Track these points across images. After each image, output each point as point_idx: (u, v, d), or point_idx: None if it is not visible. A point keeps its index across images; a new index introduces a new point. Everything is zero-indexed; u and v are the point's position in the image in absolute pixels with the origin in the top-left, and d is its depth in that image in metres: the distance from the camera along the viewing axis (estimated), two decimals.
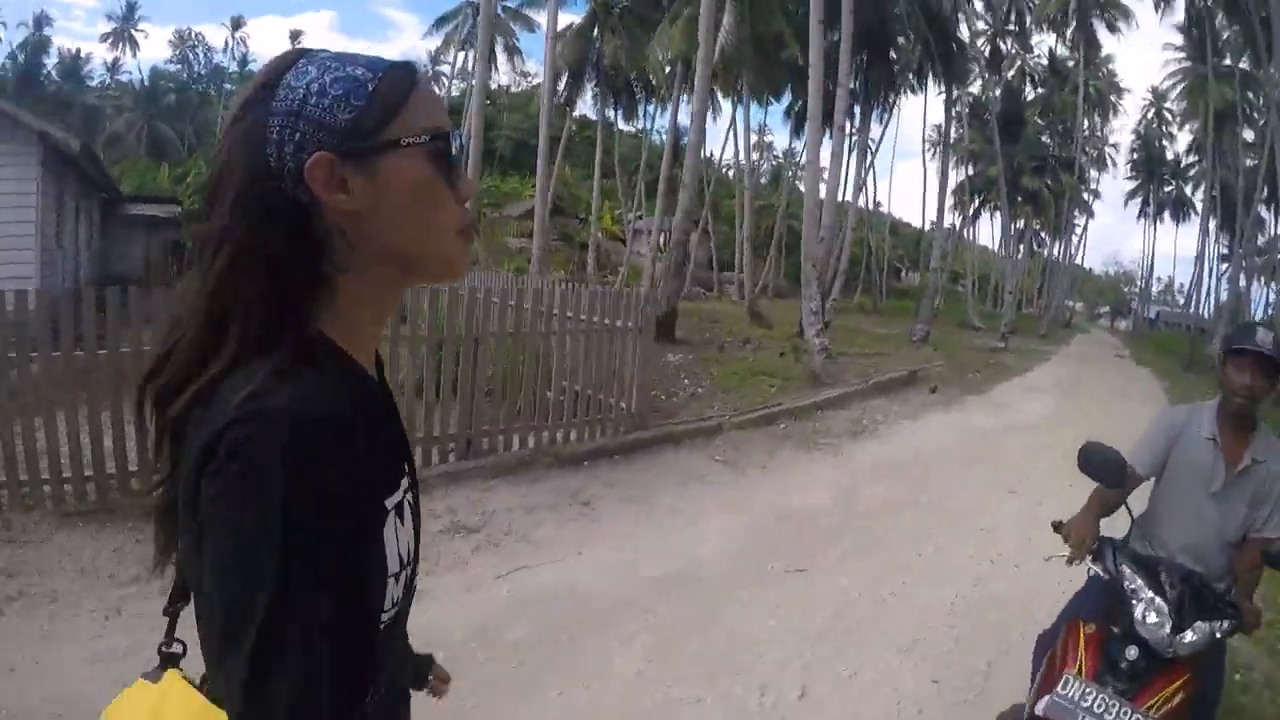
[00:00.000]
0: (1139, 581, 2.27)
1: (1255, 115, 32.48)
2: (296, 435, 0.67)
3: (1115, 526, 2.60)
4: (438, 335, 5.79)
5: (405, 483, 0.85)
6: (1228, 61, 31.84)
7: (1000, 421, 10.27)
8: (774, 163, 61.13)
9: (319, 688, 0.65)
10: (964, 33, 27.65)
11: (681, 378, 9.87)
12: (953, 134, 31.47)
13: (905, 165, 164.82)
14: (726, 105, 32.45)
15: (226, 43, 73.59)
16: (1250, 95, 31.75)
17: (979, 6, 31.84)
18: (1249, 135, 32.92)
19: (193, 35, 73.33)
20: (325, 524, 0.67)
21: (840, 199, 25.07)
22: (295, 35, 79.40)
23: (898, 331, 20.99)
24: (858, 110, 26.69)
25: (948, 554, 5.10)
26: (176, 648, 0.93)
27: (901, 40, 25.47)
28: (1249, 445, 2.43)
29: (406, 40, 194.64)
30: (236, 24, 74.31)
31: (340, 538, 0.68)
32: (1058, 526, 2.55)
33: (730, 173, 43.05)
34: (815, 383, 10.39)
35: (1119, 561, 2.35)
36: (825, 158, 16.76)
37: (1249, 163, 31.73)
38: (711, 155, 43.99)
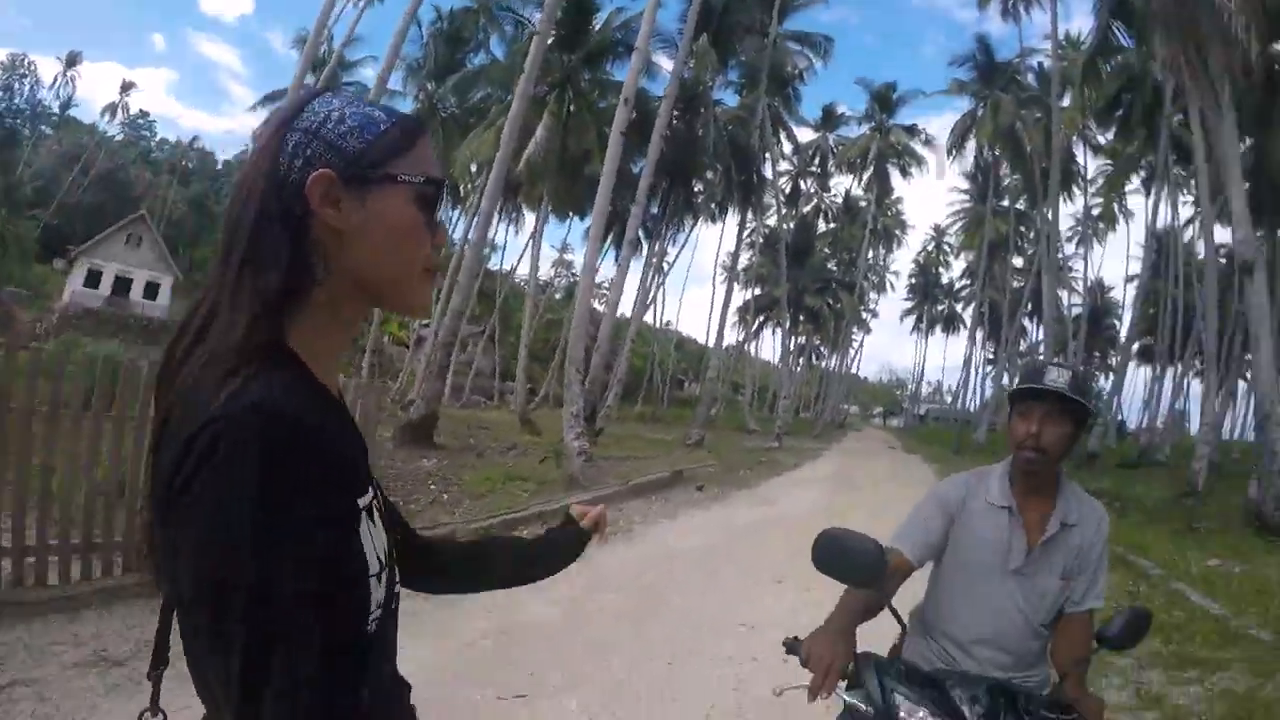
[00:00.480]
0: (922, 712, 1.70)
1: (1025, 245, 39.73)
2: (270, 430, 0.70)
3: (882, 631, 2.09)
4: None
5: (371, 488, 0.88)
6: (1005, 202, 38.06)
7: (767, 514, 10.52)
8: (571, 278, 63.15)
9: (314, 685, 0.68)
10: (768, 171, 30.32)
11: (429, 484, 9.50)
12: (745, 259, 33.98)
13: (698, 289, 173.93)
14: (531, 219, 33.09)
15: (56, 78, 67.36)
16: (1022, 229, 38.49)
17: (785, 149, 34.95)
18: (1018, 262, 39.88)
19: (25, 63, 65.56)
20: (303, 514, 0.70)
21: (622, 313, 25.94)
22: (127, 86, 74.75)
23: (674, 437, 21.50)
24: (647, 230, 27.89)
25: (703, 658, 4.80)
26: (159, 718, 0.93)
27: (709, 174, 27.02)
28: (1053, 508, 1.98)
29: (236, 114, 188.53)
30: (71, 60, 68.37)
31: (319, 526, 0.71)
32: (791, 646, 1.86)
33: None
34: (572, 486, 10.35)
35: (887, 686, 1.75)
36: (613, 272, 17.29)
37: (1015, 284, 38.10)
38: (512, 269, 44.62)
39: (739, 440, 25.08)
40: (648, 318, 33.20)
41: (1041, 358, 27.22)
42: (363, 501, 0.83)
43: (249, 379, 0.73)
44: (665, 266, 35.06)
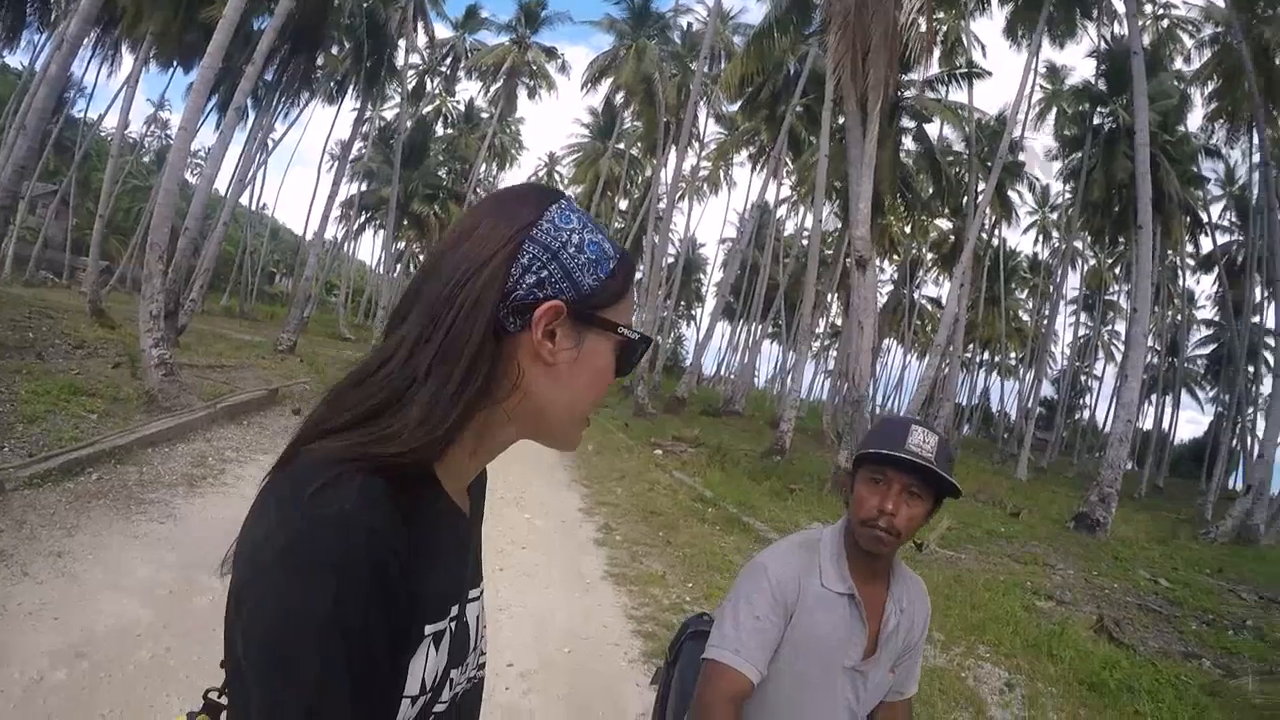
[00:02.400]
0: None
1: (634, 190, 41.92)
2: (338, 547, 0.66)
3: None
4: None
5: (455, 610, 0.84)
6: (622, 145, 38.96)
7: None
8: (166, 140, 52.76)
9: None
10: (400, 60, 27.73)
11: None
12: (356, 150, 31.04)
13: (300, 171, 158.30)
14: (129, 61, 26.33)
15: None
16: (633, 173, 40.19)
17: (420, 40, 32.08)
18: (623, 204, 41.79)
19: None
20: (341, 642, 0.66)
21: (223, 190, 22.31)
22: None
23: (264, 339, 19.21)
24: (257, 98, 24.13)
25: None
26: (224, 699, 0.87)
27: (335, 50, 23.97)
28: (888, 593, 1.71)
29: None
30: None
31: (357, 654, 0.67)
32: None
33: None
34: (151, 406, 8.21)
35: None
36: (212, 141, 14.38)
37: (618, 225, 41.04)
38: (99, 119, 36.60)
39: (333, 349, 23.13)
40: (244, 199, 28.81)
41: (1025, 455, 28.10)
42: (433, 628, 0.78)
43: (343, 478, 0.69)
44: (270, 144, 30.85)
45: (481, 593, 0.94)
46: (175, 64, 25.63)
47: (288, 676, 0.65)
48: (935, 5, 13.51)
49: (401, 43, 26.97)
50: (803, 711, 1.67)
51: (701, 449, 15.30)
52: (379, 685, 0.70)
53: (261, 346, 17.55)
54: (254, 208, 36.74)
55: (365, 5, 22.66)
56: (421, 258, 55.33)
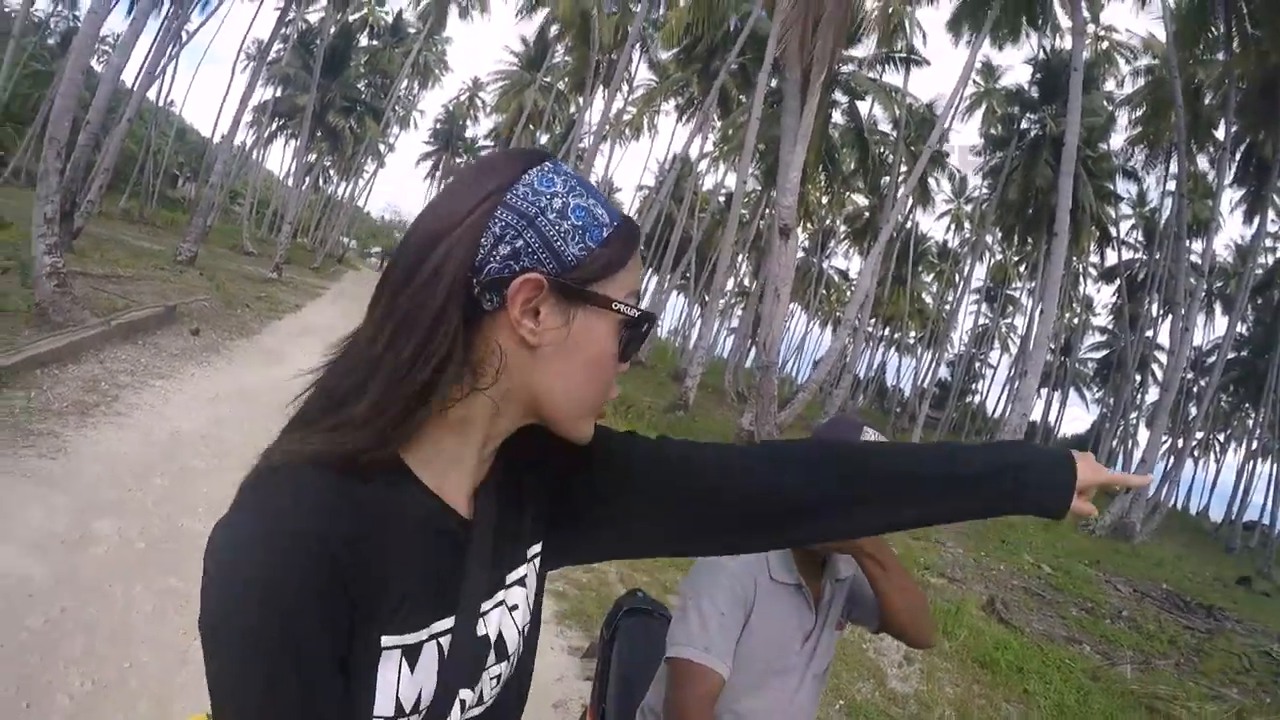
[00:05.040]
0: None
1: (555, 125, 40.80)
2: (276, 553, 0.63)
3: None
4: None
5: (443, 625, 0.75)
6: (549, 79, 37.88)
7: (278, 378, 8.84)
8: (74, 22, 47.99)
9: None
10: None
11: None
12: (273, 52, 29.22)
13: (213, 70, 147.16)
14: None
15: None
16: (557, 109, 39.26)
17: None
18: (543, 139, 40.68)
19: None
20: (284, 652, 0.63)
21: (130, 83, 20.65)
22: None
23: (163, 248, 18.13)
24: None
25: None
26: None
27: None
28: (824, 571, 1.80)
29: None
30: None
31: (300, 668, 0.63)
32: None
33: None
34: (40, 322, 7.55)
35: None
36: (123, 28, 13.17)
37: None
38: None
39: (235, 263, 22.00)
40: (151, 94, 26.53)
41: (919, 431, 28.91)
42: (399, 640, 0.70)
43: (279, 474, 0.66)
44: (185, 35, 28.27)
45: (510, 600, 0.84)
46: None
47: (228, 678, 0.63)
48: None
49: None
50: (761, 693, 1.73)
51: None
52: (323, 692, 0.66)
53: (160, 256, 16.47)
54: (161, 104, 34.12)
55: None
56: (332, 172, 53.44)
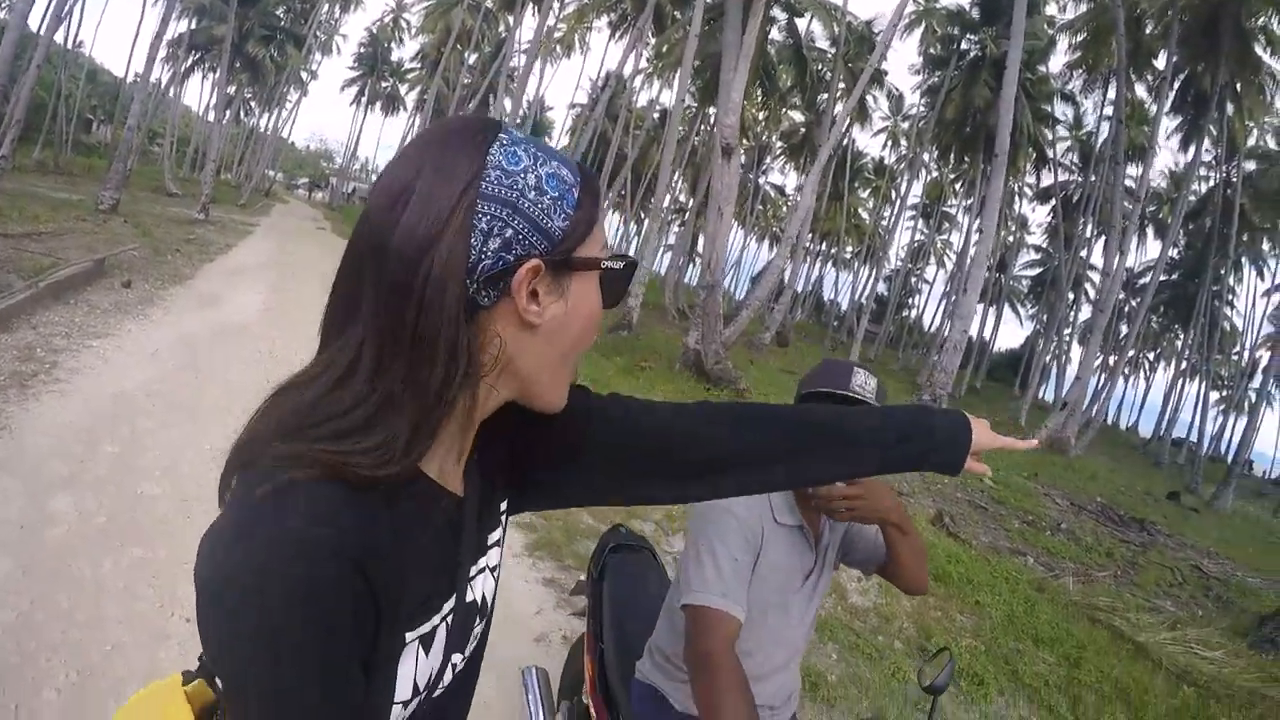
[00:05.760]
0: None
1: (485, 45, 39.48)
2: (297, 569, 0.60)
3: None
4: None
5: (449, 605, 0.78)
6: None
7: (217, 322, 8.79)
8: None
9: None
10: None
11: None
12: None
13: (121, 4, 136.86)
14: None
15: None
16: (485, 26, 37.88)
17: None
18: (472, 59, 39.65)
19: None
20: (313, 663, 0.62)
21: (35, 27, 19.24)
22: None
23: (83, 197, 17.33)
24: None
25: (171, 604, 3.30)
26: None
27: None
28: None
29: None
30: None
31: (328, 675, 0.63)
32: None
33: None
34: None
35: None
36: None
37: (465, 81, 38.03)
38: None
39: (159, 206, 21.10)
40: (58, 36, 24.54)
41: (857, 344, 28.79)
42: (417, 633, 0.73)
43: (299, 488, 0.62)
44: None
45: (490, 562, 0.88)
46: None
47: (253, 698, 0.62)
48: None
49: None
50: (770, 634, 1.80)
51: None
52: (351, 698, 0.66)
53: (81, 206, 15.75)
54: (69, 46, 31.86)
55: None
56: (253, 104, 51.05)
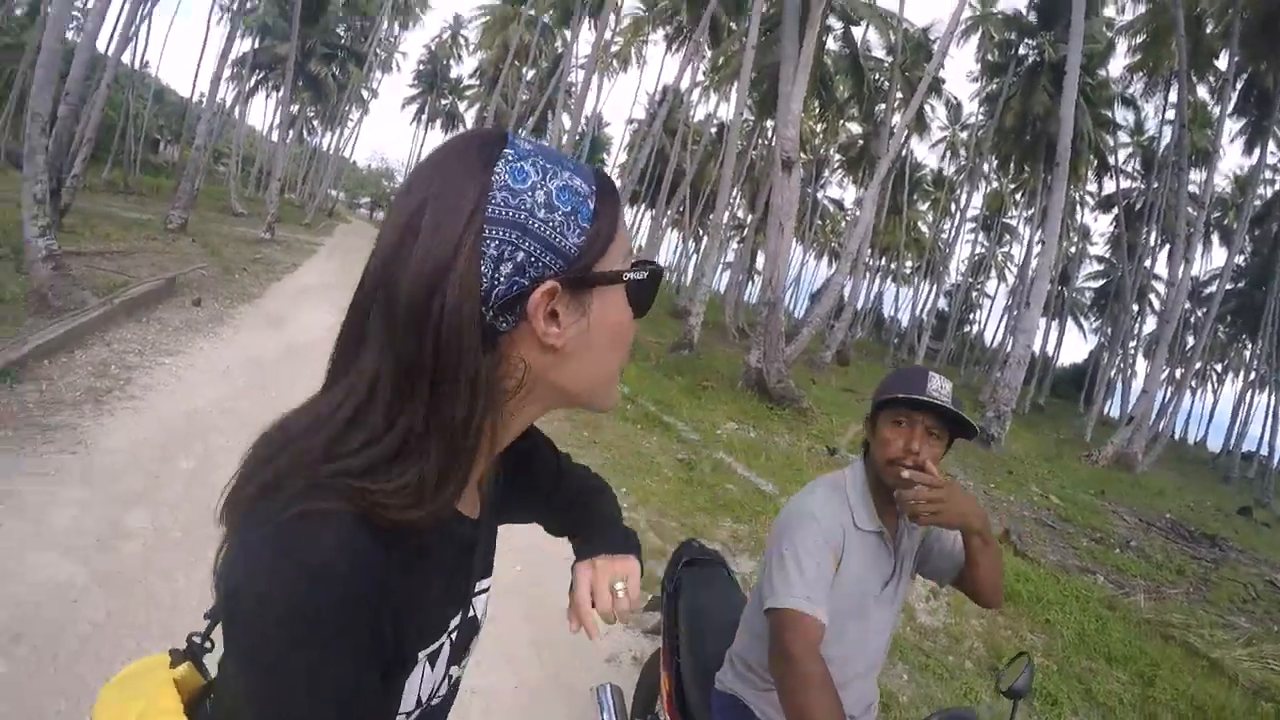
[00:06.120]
0: None
1: (542, 61, 40.05)
2: (319, 595, 0.61)
3: None
4: None
5: (455, 621, 0.80)
6: (533, 11, 36.98)
7: (280, 342, 8.90)
8: None
9: None
10: None
11: None
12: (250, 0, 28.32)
13: (185, 25, 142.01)
14: None
15: None
16: (543, 42, 38.41)
17: None
18: (529, 75, 40.12)
19: None
20: (326, 681, 0.63)
21: (103, 48, 19.95)
22: None
23: (152, 216, 17.93)
24: None
25: None
26: (207, 644, 0.84)
27: None
28: (899, 517, 1.85)
29: None
30: None
31: (343, 692, 0.64)
32: None
33: None
34: (41, 307, 7.41)
35: None
36: None
37: (524, 97, 38.34)
38: None
39: (226, 226, 21.76)
40: (125, 57, 25.42)
41: (919, 362, 28.66)
42: (427, 651, 0.76)
43: (328, 519, 0.62)
44: None
45: (490, 582, 0.92)
46: None
47: (273, 708, 0.62)
48: None
49: None
50: (852, 640, 1.80)
51: None
52: (367, 711, 0.67)
53: (150, 225, 16.31)
54: (136, 67, 33.12)
55: None
56: (315, 123, 52.30)
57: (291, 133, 42.39)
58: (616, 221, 0.72)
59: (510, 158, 0.68)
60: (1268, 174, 27.96)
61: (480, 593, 0.88)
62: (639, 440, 8.12)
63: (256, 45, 37.63)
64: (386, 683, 0.71)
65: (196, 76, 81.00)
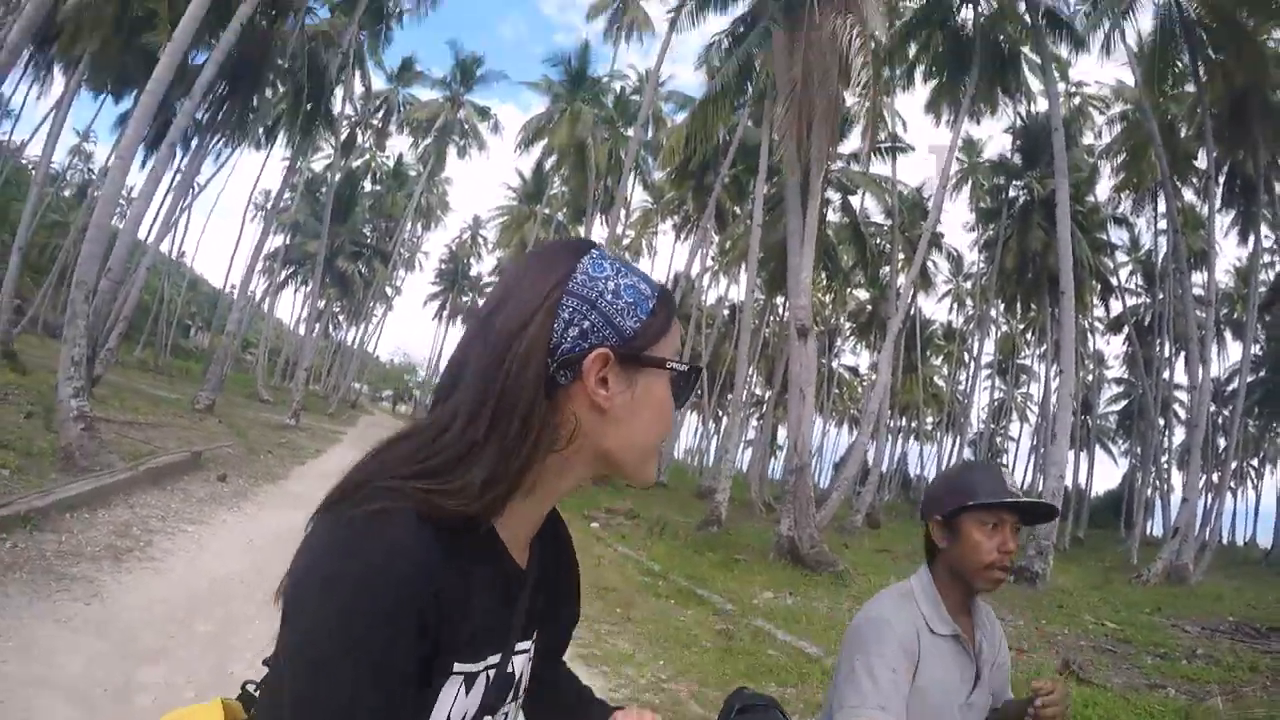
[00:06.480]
0: None
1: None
2: (382, 574, 0.69)
3: None
4: None
5: (494, 659, 0.85)
6: (548, 210, 38.80)
7: (304, 521, 8.76)
8: (88, 174, 49.20)
9: None
10: (335, 108, 26.81)
11: None
12: (284, 200, 30.08)
13: (220, 221, 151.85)
14: (61, 82, 24.24)
15: None
16: (557, 237, 40.31)
17: (357, 90, 31.26)
18: None
19: None
20: (368, 674, 0.68)
21: (144, 234, 21.16)
22: None
23: (180, 396, 18.33)
24: (185, 138, 22.58)
25: None
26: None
27: (269, 92, 22.65)
28: (974, 624, 1.80)
29: None
30: None
31: (386, 676, 0.69)
32: None
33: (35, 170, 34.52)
34: (68, 464, 7.50)
35: None
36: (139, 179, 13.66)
37: None
38: (22, 144, 34.59)
39: (252, 411, 22.21)
40: (163, 245, 26.90)
41: (833, 485, 28.68)
42: (465, 667, 0.80)
43: (394, 514, 0.72)
44: (196, 187, 28.60)
45: (533, 646, 0.96)
46: (107, 91, 23.76)
47: (319, 689, 0.68)
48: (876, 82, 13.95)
49: (339, 90, 26.07)
50: None
51: (637, 520, 15.20)
52: (403, 705, 0.72)
53: (178, 404, 16.69)
54: (173, 256, 35.06)
55: (308, 47, 21.70)
56: (341, 318, 54.38)
57: (318, 326, 43.99)
58: (670, 324, 0.87)
59: (595, 255, 0.85)
60: (1266, 258, 28.08)
61: (521, 652, 0.92)
62: (675, 615, 7.91)
63: (288, 241, 39.68)
64: (423, 685, 0.76)
65: (230, 268, 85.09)
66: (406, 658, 0.71)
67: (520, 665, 0.93)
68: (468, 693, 0.82)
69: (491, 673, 0.86)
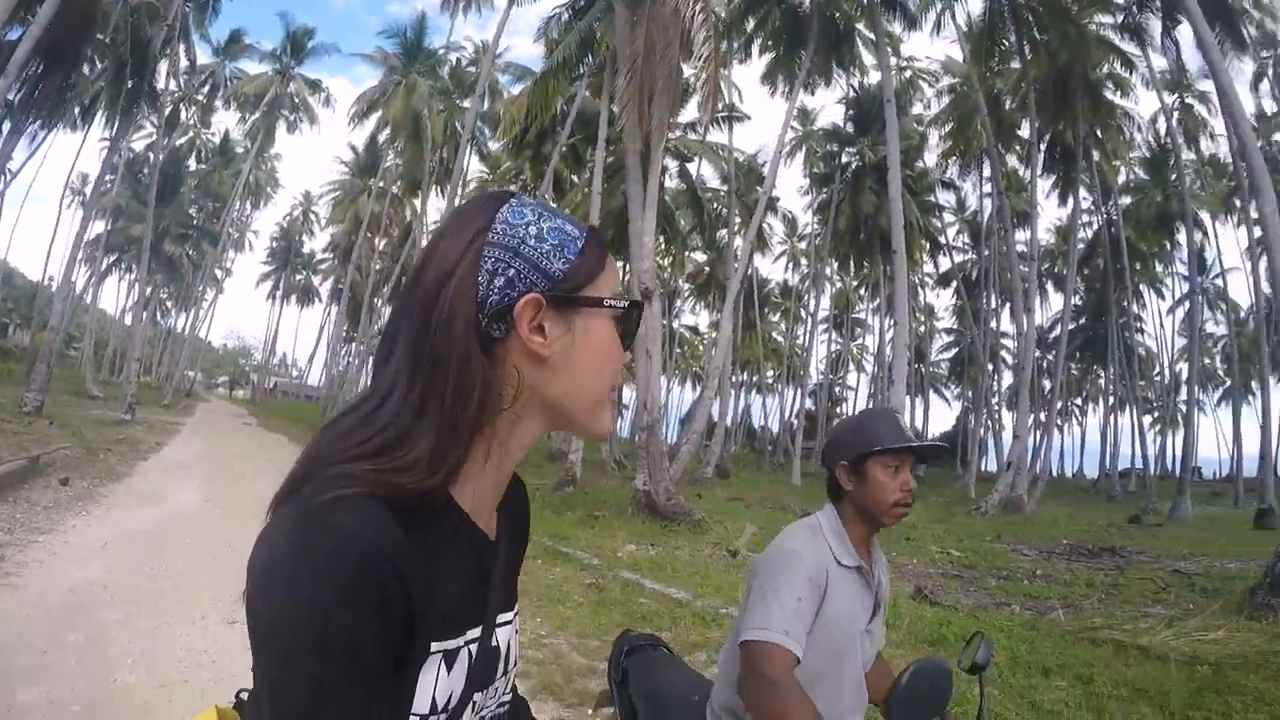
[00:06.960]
0: None
1: (394, 229, 40.36)
2: (344, 555, 0.67)
3: None
4: None
5: (474, 633, 0.83)
6: (383, 184, 37.77)
7: (161, 517, 8.66)
8: None
9: None
10: (159, 84, 24.79)
11: None
12: (104, 183, 27.86)
13: (34, 208, 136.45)
14: None
15: None
16: (393, 211, 39.21)
17: (182, 64, 28.96)
18: (381, 244, 40.48)
19: None
20: (339, 649, 0.67)
21: None
22: None
23: (4, 399, 17.08)
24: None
25: None
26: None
27: (88, 69, 20.80)
28: (872, 557, 1.97)
29: None
30: None
31: (357, 657, 0.68)
32: None
33: None
34: None
35: None
36: None
37: (376, 267, 38.56)
38: None
39: (84, 409, 20.84)
40: None
41: (797, 463, 30.20)
42: (442, 645, 0.78)
43: (350, 497, 0.69)
44: (8, 173, 26.14)
45: (515, 615, 0.95)
46: None
47: (288, 684, 0.67)
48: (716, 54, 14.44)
49: (163, 65, 24.24)
50: (840, 678, 1.85)
51: None
52: (379, 692, 0.71)
53: (4, 408, 15.49)
54: None
55: (131, 20, 20.09)
56: (170, 305, 50.97)
57: (145, 314, 41.21)
58: (602, 262, 0.84)
59: (514, 204, 0.82)
60: (1084, 217, 31.11)
61: (503, 624, 0.90)
62: (543, 574, 7.97)
63: (110, 227, 36.78)
64: (399, 670, 0.74)
65: (48, 259, 77.68)
66: (375, 644, 0.69)
67: (505, 637, 0.91)
68: (449, 671, 0.80)
69: (473, 648, 0.84)
